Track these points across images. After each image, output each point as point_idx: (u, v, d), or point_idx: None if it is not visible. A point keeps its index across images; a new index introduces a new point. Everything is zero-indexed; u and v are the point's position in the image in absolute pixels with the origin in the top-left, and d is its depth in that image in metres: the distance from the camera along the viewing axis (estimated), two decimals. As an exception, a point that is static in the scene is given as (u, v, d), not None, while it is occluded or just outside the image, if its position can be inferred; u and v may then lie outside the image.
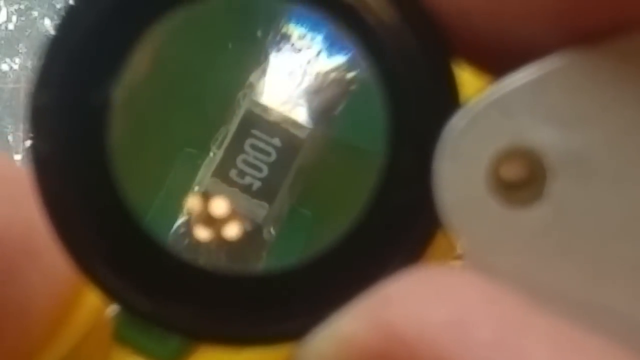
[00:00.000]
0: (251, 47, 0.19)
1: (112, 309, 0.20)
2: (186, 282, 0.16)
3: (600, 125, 0.15)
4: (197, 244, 0.19)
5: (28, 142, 0.16)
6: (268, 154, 0.19)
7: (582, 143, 0.15)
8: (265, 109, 0.19)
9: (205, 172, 0.19)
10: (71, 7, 0.16)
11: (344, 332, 0.15)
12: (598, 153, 0.15)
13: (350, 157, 0.19)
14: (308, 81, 0.19)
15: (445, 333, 0.14)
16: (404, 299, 0.15)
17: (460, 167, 0.16)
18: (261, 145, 0.19)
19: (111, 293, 0.16)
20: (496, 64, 0.16)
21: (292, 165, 0.19)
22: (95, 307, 0.19)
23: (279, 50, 0.19)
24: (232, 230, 0.19)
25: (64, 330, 0.22)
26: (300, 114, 0.19)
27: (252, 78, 0.19)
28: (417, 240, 0.16)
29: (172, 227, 0.19)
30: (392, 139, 0.16)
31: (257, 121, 0.19)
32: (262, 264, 0.19)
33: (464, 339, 0.14)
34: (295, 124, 0.19)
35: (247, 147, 0.19)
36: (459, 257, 0.16)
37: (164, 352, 0.22)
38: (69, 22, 0.16)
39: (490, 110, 0.16)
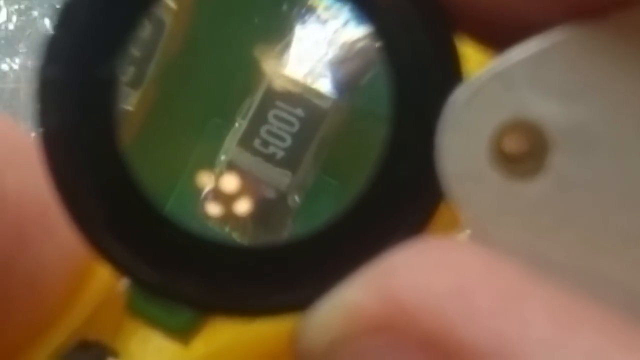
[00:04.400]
0: (276, 20, 0.20)
1: (126, 281, 0.21)
2: (193, 255, 0.17)
3: (601, 98, 0.16)
4: (217, 218, 0.19)
5: (36, 114, 0.16)
6: (291, 124, 0.19)
7: (583, 116, 0.16)
8: (288, 80, 0.20)
9: (230, 142, 0.19)
10: None
11: (348, 301, 0.15)
12: (599, 126, 0.16)
13: (373, 126, 0.19)
14: (333, 52, 0.19)
15: (447, 301, 0.15)
16: (407, 269, 0.15)
17: (462, 140, 0.16)
18: (284, 115, 0.19)
19: (120, 266, 0.16)
20: (498, 38, 0.16)
21: (315, 135, 0.19)
22: (108, 279, 0.19)
23: (304, 22, 0.19)
24: (253, 200, 0.19)
25: (77, 302, 0.22)
26: (324, 85, 0.19)
27: (277, 50, 0.19)
28: (421, 212, 0.16)
29: (188, 200, 0.19)
30: (396, 112, 0.16)
31: (281, 92, 0.19)
32: (288, 231, 0.19)
33: (466, 307, 0.15)
34: (318, 94, 0.19)
35: (270, 118, 0.19)
36: (462, 229, 0.16)
37: (177, 324, 0.22)
38: None
39: (492, 83, 0.16)
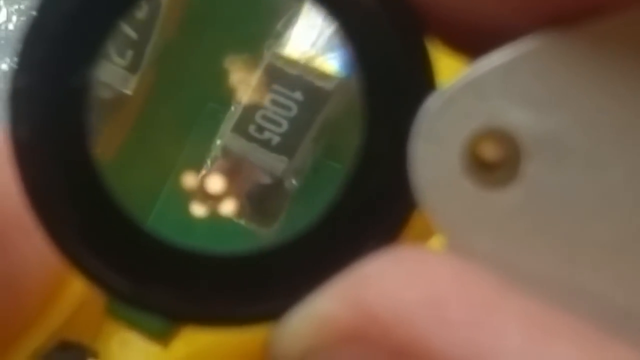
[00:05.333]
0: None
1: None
2: (166, 264, 0.17)
3: (574, 107, 0.15)
4: (211, 207, 0.19)
5: (7, 124, 0.16)
6: (289, 108, 0.19)
7: (556, 125, 0.15)
8: (287, 61, 0.19)
9: (226, 127, 0.19)
10: None
11: (320, 311, 0.15)
12: (572, 135, 0.15)
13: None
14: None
15: (419, 312, 0.15)
16: (379, 279, 0.15)
17: (435, 149, 0.16)
18: (281, 99, 0.19)
19: (92, 277, 0.16)
20: (472, 45, 0.16)
21: (316, 119, 0.19)
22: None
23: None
24: (248, 185, 0.19)
25: (57, 303, 0.22)
26: (329, 64, 0.19)
27: (279, 27, 0.19)
28: (393, 221, 0.16)
29: (178, 194, 0.19)
30: (368, 120, 0.16)
31: (278, 75, 0.19)
32: (287, 215, 0.19)
33: (437, 317, 0.15)
34: (321, 75, 0.19)
35: (266, 102, 0.19)
36: (435, 237, 0.16)
37: (156, 326, 0.22)
38: (48, 4, 0.16)
39: (464, 92, 0.16)
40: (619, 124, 0.15)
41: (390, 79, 0.16)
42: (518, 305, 0.15)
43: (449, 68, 0.17)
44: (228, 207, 0.19)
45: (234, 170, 0.19)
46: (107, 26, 0.17)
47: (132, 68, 0.19)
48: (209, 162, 0.19)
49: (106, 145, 0.19)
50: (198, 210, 0.19)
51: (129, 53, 0.19)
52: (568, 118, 0.15)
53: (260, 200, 0.19)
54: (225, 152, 0.19)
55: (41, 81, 0.16)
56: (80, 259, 0.16)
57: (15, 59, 0.16)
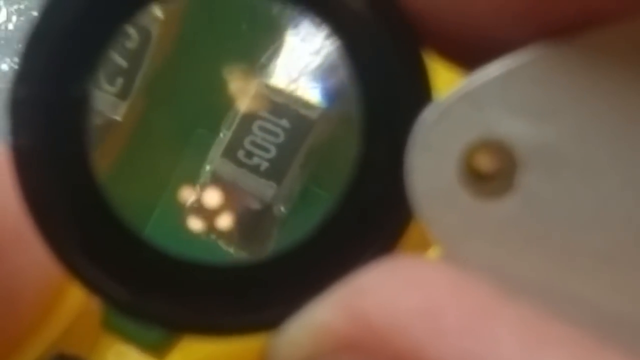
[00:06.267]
0: (265, 26, 0.20)
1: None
2: (165, 274, 0.17)
3: (570, 118, 0.16)
4: (202, 230, 0.19)
5: (7, 134, 0.16)
6: (276, 135, 0.19)
7: (552, 136, 0.16)
8: (274, 90, 0.19)
9: (215, 153, 0.19)
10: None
11: (317, 321, 0.15)
12: (567, 146, 0.16)
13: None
14: (324, 59, 0.19)
15: (416, 321, 0.15)
16: (376, 289, 0.15)
17: (431, 160, 0.16)
18: (269, 126, 0.19)
19: (91, 286, 0.16)
20: (469, 57, 0.16)
21: (302, 146, 0.19)
22: (84, 294, 0.19)
23: (294, 28, 0.19)
24: (237, 211, 0.19)
25: (53, 317, 0.22)
26: (313, 94, 0.19)
27: (264, 59, 0.19)
28: (390, 232, 0.16)
29: (171, 214, 0.19)
30: (365, 131, 0.16)
31: (265, 103, 0.19)
32: (274, 243, 0.19)
33: (434, 326, 0.15)
34: (306, 104, 0.19)
35: (254, 129, 0.19)
36: (432, 247, 0.17)
37: (152, 339, 0.22)
38: (48, 14, 0.16)
39: (461, 103, 0.16)
40: (615, 134, 0.15)
41: (387, 91, 0.16)
42: (514, 314, 0.15)
43: (445, 80, 0.17)
44: (223, 223, 0.19)
45: (224, 197, 0.19)
46: (107, 36, 0.17)
47: (122, 95, 0.19)
48: (198, 188, 0.19)
49: (99, 167, 0.19)
50: (194, 225, 0.19)
51: (119, 81, 0.19)
52: (564, 129, 0.16)
53: (249, 226, 0.19)
54: (215, 177, 0.20)
55: (41, 92, 0.16)
56: (79, 268, 0.16)
57: (16, 69, 0.16)
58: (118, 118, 0.20)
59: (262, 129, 0.19)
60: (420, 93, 0.16)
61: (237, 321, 0.16)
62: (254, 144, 0.19)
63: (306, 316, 0.16)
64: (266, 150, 0.19)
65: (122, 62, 0.18)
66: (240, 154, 0.19)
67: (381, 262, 0.16)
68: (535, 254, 0.16)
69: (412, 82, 0.16)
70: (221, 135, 0.20)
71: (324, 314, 0.16)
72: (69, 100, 0.17)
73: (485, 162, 0.16)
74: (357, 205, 0.17)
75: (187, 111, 0.20)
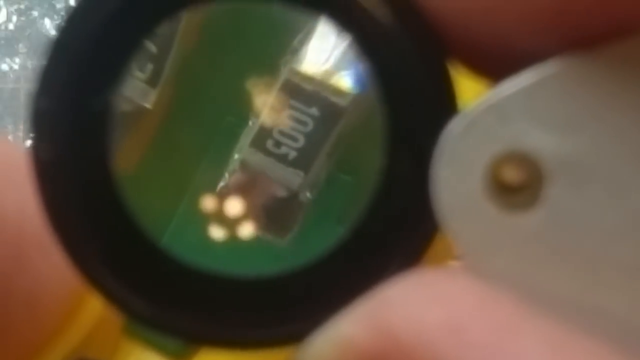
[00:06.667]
0: (295, 15, 0.19)
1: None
2: (187, 287, 0.17)
3: (597, 129, 0.15)
4: (228, 221, 0.19)
5: (29, 145, 0.16)
6: (305, 124, 0.19)
7: (579, 148, 0.15)
8: (304, 77, 0.19)
9: (244, 142, 0.19)
10: (74, 9, 0.16)
11: (343, 334, 0.15)
12: (594, 157, 0.15)
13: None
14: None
15: (442, 335, 0.15)
16: (401, 302, 0.15)
17: (457, 172, 0.16)
18: (298, 115, 0.19)
19: (113, 299, 0.16)
20: (494, 68, 0.16)
21: (330, 133, 0.19)
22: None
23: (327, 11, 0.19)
24: (264, 199, 0.19)
25: (75, 321, 0.22)
26: (343, 81, 0.19)
27: (296, 43, 0.19)
28: (415, 244, 0.16)
29: (194, 213, 0.19)
30: (390, 143, 0.16)
31: (295, 91, 0.19)
32: (299, 228, 0.19)
33: (460, 341, 0.15)
34: (336, 91, 0.19)
35: (283, 118, 0.19)
36: (456, 259, 0.16)
37: (174, 346, 0.22)
38: (71, 25, 0.16)
39: (487, 115, 0.16)
40: None
41: (412, 102, 0.16)
42: (540, 329, 0.15)
43: (469, 90, 0.17)
44: (246, 230, 0.19)
45: (251, 184, 0.19)
46: (130, 48, 0.17)
47: (152, 82, 0.19)
48: (226, 175, 0.19)
49: (126, 159, 0.19)
50: (216, 233, 0.19)
51: (149, 67, 0.19)
52: (591, 141, 0.15)
53: (276, 213, 0.19)
54: (243, 166, 0.19)
55: (63, 103, 0.16)
56: (99, 280, 0.16)
57: (37, 79, 0.16)
58: (148, 106, 0.19)
59: (292, 117, 0.19)
60: (445, 104, 0.16)
61: (260, 335, 0.16)
62: (282, 133, 0.19)
63: (331, 329, 0.16)
64: (295, 139, 0.19)
65: (152, 47, 0.18)
66: (269, 144, 0.19)
67: (406, 275, 0.16)
68: (562, 267, 0.16)
69: (437, 93, 0.16)
70: (250, 123, 0.19)
71: (349, 327, 0.15)
72: (91, 111, 0.16)
73: (511, 175, 0.16)
74: (382, 218, 0.16)
75: (216, 99, 0.20)
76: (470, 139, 0.16)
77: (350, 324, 0.15)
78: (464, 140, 0.16)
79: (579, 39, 0.15)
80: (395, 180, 0.16)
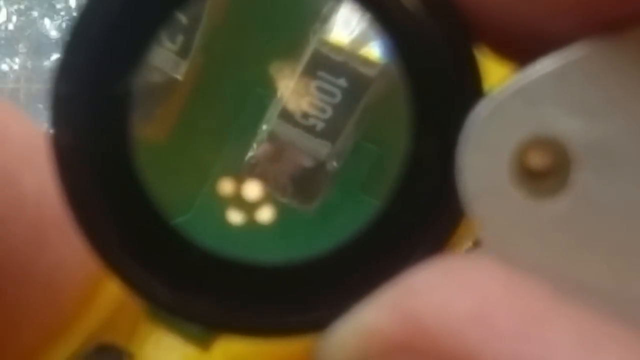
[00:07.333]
0: None
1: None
2: (208, 273, 0.17)
3: (624, 114, 0.15)
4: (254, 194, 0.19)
5: (50, 132, 0.16)
6: (333, 95, 0.19)
7: (607, 133, 0.15)
8: (333, 47, 0.19)
9: (272, 113, 0.19)
10: None
11: (367, 322, 0.15)
12: (622, 143, 0.15)
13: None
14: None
15: (469, 324, 0.14)
16: (427, 290, 0.15)
17: (483, 156, 0.16)
18: (326, 86, 0.19)
19: (133, 285, 0.16)
20: (520, 51, 0.16)
21: (358, 104, 0.19)
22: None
23: None
24: (291, 168, 0.19)
25: (94, 305, 0.22)
26: (371, 51, 0.19)
27: (325, 11, 0.19)
28: (440, 230, 0.16)
29: (218, 190, 0.19)
30: (416, 128, 0.16)
31: (324, 62, 0.19)
32: (323, 195, 0.19)
33: (488, 329, 0.14)
34: (364, 61, 0.19)
35: (311, 89, 0.19)
36: (477, 242, 0.16)
37: (194, 332, 0.22)
38: (90, 11, 0.16)
39: (514, 99, 0.15)
40: None
41: (438, 86, 0.16)
42: (569, 317, 0.15)
43: (496, 74, 0.16)
44: (267, 214, 0.19)
45: (278, 154, 0.19)
46: (149, 33, 0.16)
47: (183, 53, 0.19)
48: (255, 146, 0.19)
49: (155, 132, 0.19)
50: (235, 217, 0.19)
51: (180, 38, 0.19)
52: (619, 125, 0.15)
53: (302, 182, 0.19)
54: (272, 137, 0.19)
55: (83, 88, 0.16)
56: (120, 267, 0.16)
57: (57, 65, 0.16)
58: (179, 77, 0.19)
59: (320, 89, 0.19)
60: (472, 88, 0.16)
61: (283, 323, 0.16)
62: (310, 104, 0.19)
63: (355, 317, 0.16)
64: (323, 110, 0.19)
65: (182, 18, 0.18)
66: (297, 115, 0.19)
67: (432, 262, 0.15)
68: (590, 253, 0.15)
69: (463, 77, 0.16)
70: (278, 95, 0.19)
71: (374, 315, 0.15)
72: (111, 97, 0.16)
73: (538, 160, 0.16)
74: (407, 203, 0.16)
75: (245, 71, 0.20)
76: (496, 123, 0.16)
77: (375, 312, 0.15)
78: (491, 124, 0.16)
79: (606, 23, 0.15)
80: (421, 165, 0.16)
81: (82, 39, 0.16)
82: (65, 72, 0.16)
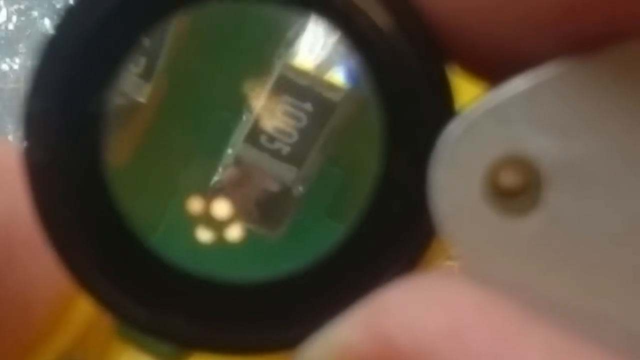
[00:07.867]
0: (286, 11, 0.19)
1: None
2: (182, 291, 0.16)
3: (596, 133, 0.15)
4: (218, 219, 0.19)
5: (22, 146, 0.16)
6: (299, 119, 0.19)
7: (578, 152, 0.15)
8: (298, 72, 0.19)
9: (237, 137, 0.19)
10: (68, 11, 0.16)
11: (339, 340, 0.15)
12: (594, 162, 0.15)
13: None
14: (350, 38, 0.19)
15: (441, 343, 0.14)
16: (399, 308, 0.15)
17: (455, 175, 0.16)
18: (292, 110, 0.19)
19: (106, 303, 0.16)
20: (493, 71, 0.16)
21: (324, 129, 0.19)
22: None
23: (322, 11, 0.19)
24: (256, 193, 0.19)
25: (65, 323, 0.22)
26: (336, 75, 0.19)
27: (290, 35, 0.19)
28: (413, 249, 0.16)
29: (183, 213, 0.19)
30: (387, 147, 0.16)
31: (289, 86, 0.19)
32: (289, 221, 0.19)
33: (460, 348, 0.14)
34: (329, 86, 0.19)
35: (277, 113, 0.19)
36: (451, 260, 0.16)
37: (165, 349, 0.22)
38: (64, 27, 0.16)
39: (486, 118, 0.16)
40: None
41: (410, 104, 0.16)
42: (541, 335, 0.15)
43: (468, 93, 0.17)
44: (236, 232, 0.19)
45: (244, 179, 0.19)
46: (123, 50, 0.16)
47: (146, 75, 0.19)
48: (220, 170, 0.19)
49: (119, 155, 0.19)
50: (205, 235, 0.19)
51: (143, 60, 0.19)
52: (590, 144, 0.15)
53: (268, 207, 0.19)
54: (237, 161, 0.19)
55: (56, 105, 0.16)
56: (92, 285, 0.16)
57: (30, 80, 0.16)
58: (142, 99, 0.19)
59: (285, 113, 0.19)
60: (444, 107, 0.16)
61: (256, 340, 0.16)
62: (276, 128, 0.19)
63: (327, 335, 0.16)
64: (289, 135, 0.19)
65: (145, 41, 0.18)
66: (263, 139, 0.19)
67: (404, 280, 0.15)
68: (562, 272, 0.15)
69: (435, 95, 0.16)
70: (244, 118, 0.19)
71: (346, 333, 0.15)
72: (84, 113, 0.16)
73: (510, 179, 0.16)
74: (379, 221, 0.16)
75: (208, 94, 0.20)
76: (468, 142, 0.16)
77: (348, 330, 0.15)
78: (463, 143, 0.16)
79: (578, 42, 0.15)
80: (392, 183, 0.16)
81: (55, 55, 0.16)
82: (39, 88, 0.16)
